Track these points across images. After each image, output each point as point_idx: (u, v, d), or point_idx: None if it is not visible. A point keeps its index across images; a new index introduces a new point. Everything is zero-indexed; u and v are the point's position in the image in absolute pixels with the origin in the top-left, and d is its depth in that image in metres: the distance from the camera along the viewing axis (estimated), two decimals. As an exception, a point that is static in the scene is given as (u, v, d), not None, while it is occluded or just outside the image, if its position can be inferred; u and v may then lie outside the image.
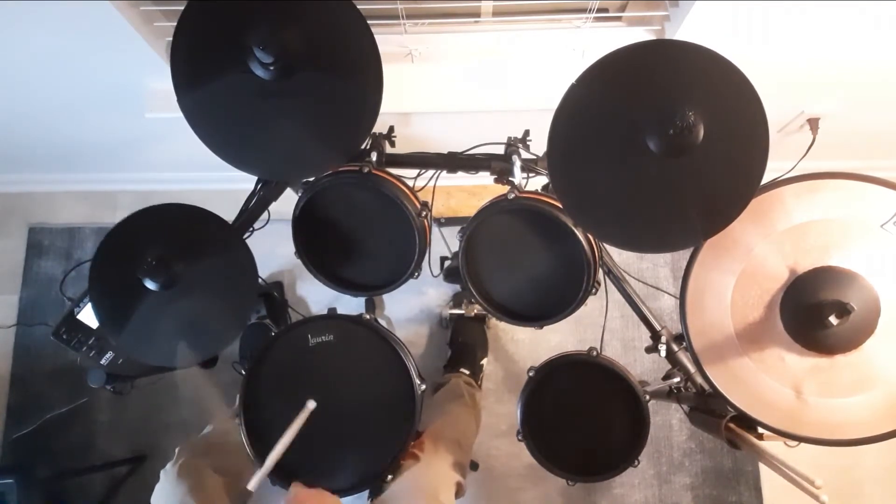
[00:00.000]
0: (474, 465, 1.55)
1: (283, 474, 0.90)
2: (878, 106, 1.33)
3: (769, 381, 0.80)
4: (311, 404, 0.87)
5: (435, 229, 1.23)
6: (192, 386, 1.66)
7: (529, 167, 1.01)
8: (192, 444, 1.09)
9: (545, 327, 0.93)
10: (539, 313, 0.93)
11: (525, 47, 1.17)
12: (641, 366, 1.65)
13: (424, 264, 0.94)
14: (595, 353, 0.97)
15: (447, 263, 1.25)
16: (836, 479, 1.60)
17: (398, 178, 0.92)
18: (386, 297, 1.69)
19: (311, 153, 0.83)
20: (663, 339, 1.01)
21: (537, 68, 1.19)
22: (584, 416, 1.00)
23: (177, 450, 1.06)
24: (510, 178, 0.98)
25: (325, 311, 0.96)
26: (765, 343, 0.80)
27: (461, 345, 1.58)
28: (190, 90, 0.78)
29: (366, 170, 0.87)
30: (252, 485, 0.79)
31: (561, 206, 0.80)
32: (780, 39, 1.07)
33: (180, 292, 0.86)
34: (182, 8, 0.75)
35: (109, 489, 1.58)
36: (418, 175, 1.05)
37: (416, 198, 0.93)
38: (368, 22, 0.76)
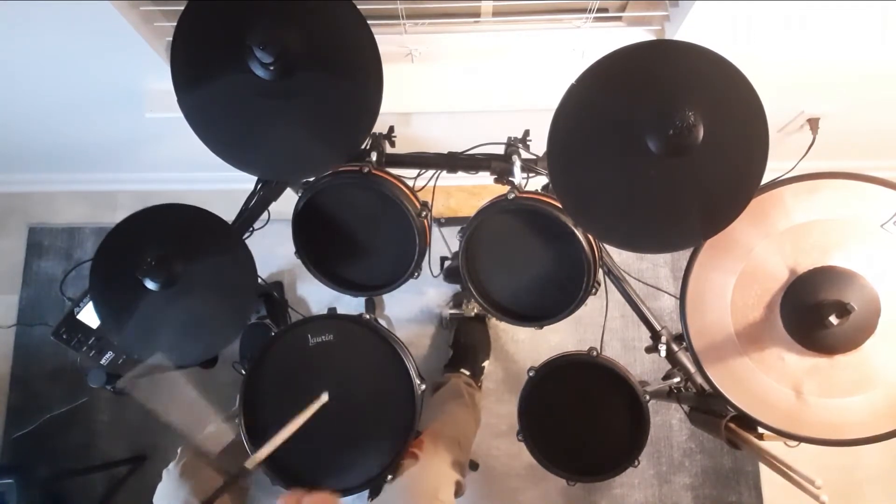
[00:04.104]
0: (474, 465, 1.55)
1: (283, 474, 0.90)
2: (878, 106, 1.33)
3: (769, 381, 0.80)
4: (325, 397, 0.87)
5: (435, 229, 1.23)
6: (192, 386, 1.66)
7: (529, 167, 1.01)
8: (194, 443, 1.10)
9: (545, 327, 0.93)
10: (539, 313, 0.93)
11: (525, 47, 1.17)
12: (641, 366, 1.65)
13: (424, 264, 0.94)
14: (595, 353, 0.97)
15: (447, 263, 1.25)
16: (836, 479, 1.60)
17: (398, 178, 0.92)
18: (386, 297, 1.69)
19: (311, 153, 0.83)
20: (663, 339, 1.01)
21: (537, 68, 1.19)
22: (584, 416, 1.00)
23: (179, 449, 1.07)
24: (510, 178, 0.98)
25: (325, 311, 0.96)
26: (765, 343, 0.80)
27: (463, 346, 1.58)
28: (190, 90, 0.78)
29: (366, 170, 0.87)
30: (250, 462, 0.79)
31: (561, 206, 0.80)
32: (779, 39, 1.07)
33: (180, 292, 0.86)
34: (182, 8, 0.75)
35: (109, 489, 1.58)
36: (418, 175, 1.05)
37: (416, 198, 0.93)
38: (368, 22, 0.76)
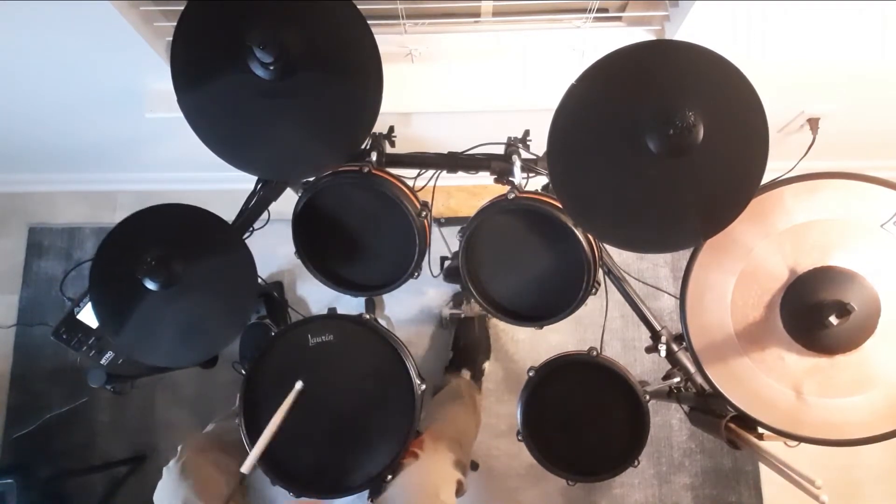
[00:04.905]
0: (474, 465, 1.55)
1: (283, 474, 0.90)
2: (878, 106, 1.33)
3: (769, 381, 0.80)
4: (299, 385, 0.88)
5: (435, 229, 1.23)
6: (192, 386, 1.66)
7: (529, 167, 1.01)
8: (195, 440, 1.10)
9: (545, 327, 0.93)
10: (539, 313, 0.93)
11: (525, 47, 1.17)
12: (641, 366, 1.65)
13: (424, 264, 0.94)
14: (595, 353, 0.97)
15: (447, 263, 1.25)
16: (836, 479, 1.60)
17: (398, 178, 0.92)
18: (386, 297, 1.69)
19: (311, 153, 0.83)
20: (663, 339, 1.01)
21: (537, 68, 1.19)
22: (584, 416, 1.00)
23: (179, 447, 1.07)
24: (510, 178, 0.98)
25: (325, 311, 0.96)
26: (765, 343, 0.80)
27: (463, 347, 1.58)
28: (190, 90, 0.78)
29: (366, 170, 0.87)
30: (245, 468, 0.80)
31: (561, 206, 0.80)
32: (779, 39, 1.07)
33: (180, 292, 0.86)
34: (182, 8, 0.75)
35: (109, 489, 1.58)
36: (418, 175, 1.05)
37: (416, 198, 0.93)
38: (368, 22, 0.76)
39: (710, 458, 1.63)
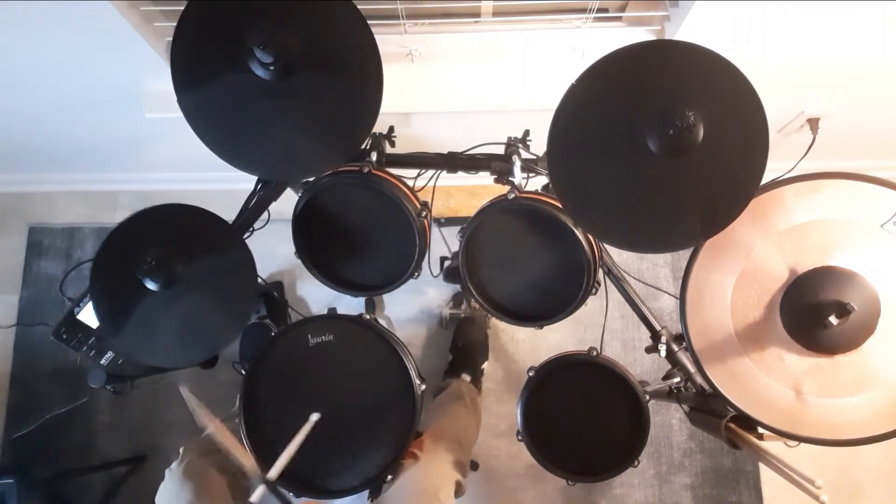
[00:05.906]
0: (474, 465, 1.55)
1: (283, 474, 0.90)
2: (878, 106, 1.33)
3: (769, 381, 0.80)
4: (315, 416, 0.87)
5: (435, 229, 1.23)
6: (192, 386, 1.66)
7: (529, 167, 1.01)
8: (196, 443, 1.09)
9: (545, 327, 0.93)
10: (539, 313, 0.93)
11: (525, 47, 1.17)
12: (641, 366, 1.65)
13: (424, 264, 0.94)
14: (595, 353, 0.97)
15: (447, 263, 1.25)
16: (836, 479, 1.60)
17: (398, 178, 0.92)
18: (386, 297, 1.69)
19: (312, 153, 0.83)
20: (663, 339, 1.01)
21: (537, 68, 1.19)
22: (584, 416, 1.00)
23: (181, 449, 1.07)
24: (510, 178, 0.98)
25: (325, 311, 0.96)
26: (765, 343, 0.80)
27: (462, 348, 1.58)
28: (190, 90, 0.78)
29: (366, 170, 0.87)
30: (255, 497, 0.78)
31: (561, 206, 0.80)
32: (779, 39, 1.07)
33: (180, 292, 0.86)
34: (182, 8, 0.75)
35: (109, 489, 1.58)
36: (418, 175, 1.05)
37: (416, 198, 0.93)
38: (368, 22, 0.76)
39: (710, 458, 1.63)
